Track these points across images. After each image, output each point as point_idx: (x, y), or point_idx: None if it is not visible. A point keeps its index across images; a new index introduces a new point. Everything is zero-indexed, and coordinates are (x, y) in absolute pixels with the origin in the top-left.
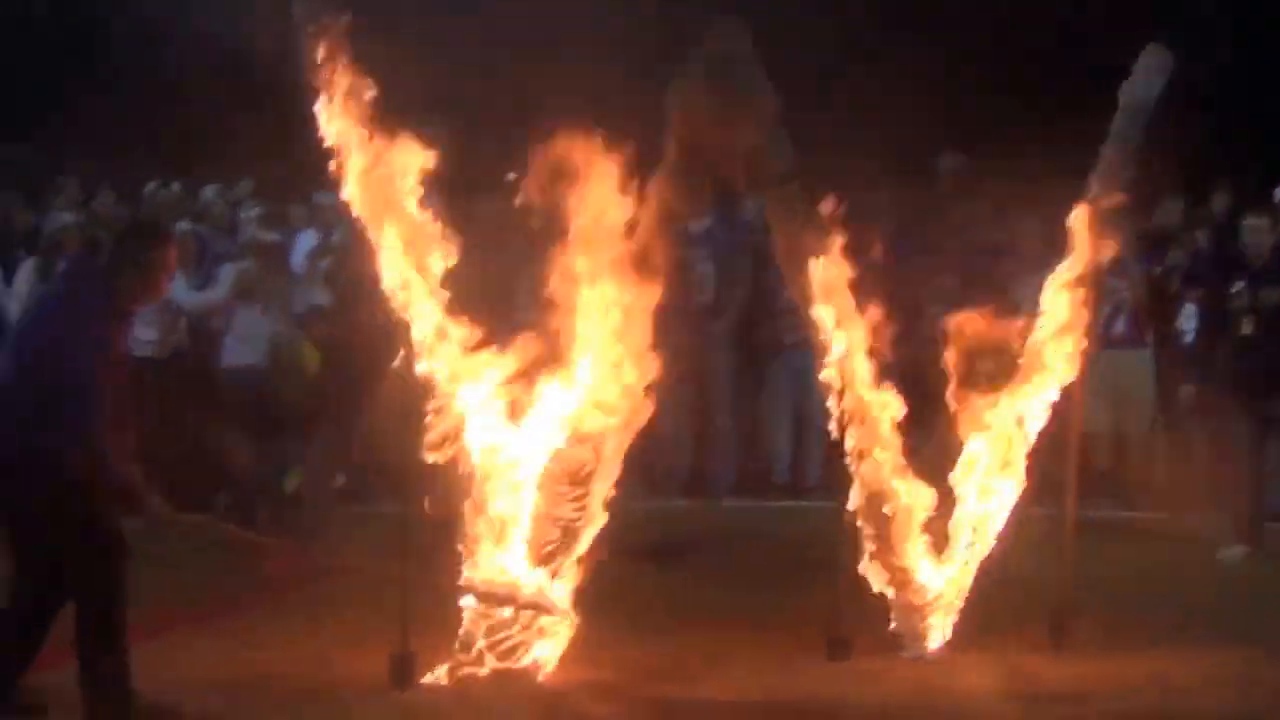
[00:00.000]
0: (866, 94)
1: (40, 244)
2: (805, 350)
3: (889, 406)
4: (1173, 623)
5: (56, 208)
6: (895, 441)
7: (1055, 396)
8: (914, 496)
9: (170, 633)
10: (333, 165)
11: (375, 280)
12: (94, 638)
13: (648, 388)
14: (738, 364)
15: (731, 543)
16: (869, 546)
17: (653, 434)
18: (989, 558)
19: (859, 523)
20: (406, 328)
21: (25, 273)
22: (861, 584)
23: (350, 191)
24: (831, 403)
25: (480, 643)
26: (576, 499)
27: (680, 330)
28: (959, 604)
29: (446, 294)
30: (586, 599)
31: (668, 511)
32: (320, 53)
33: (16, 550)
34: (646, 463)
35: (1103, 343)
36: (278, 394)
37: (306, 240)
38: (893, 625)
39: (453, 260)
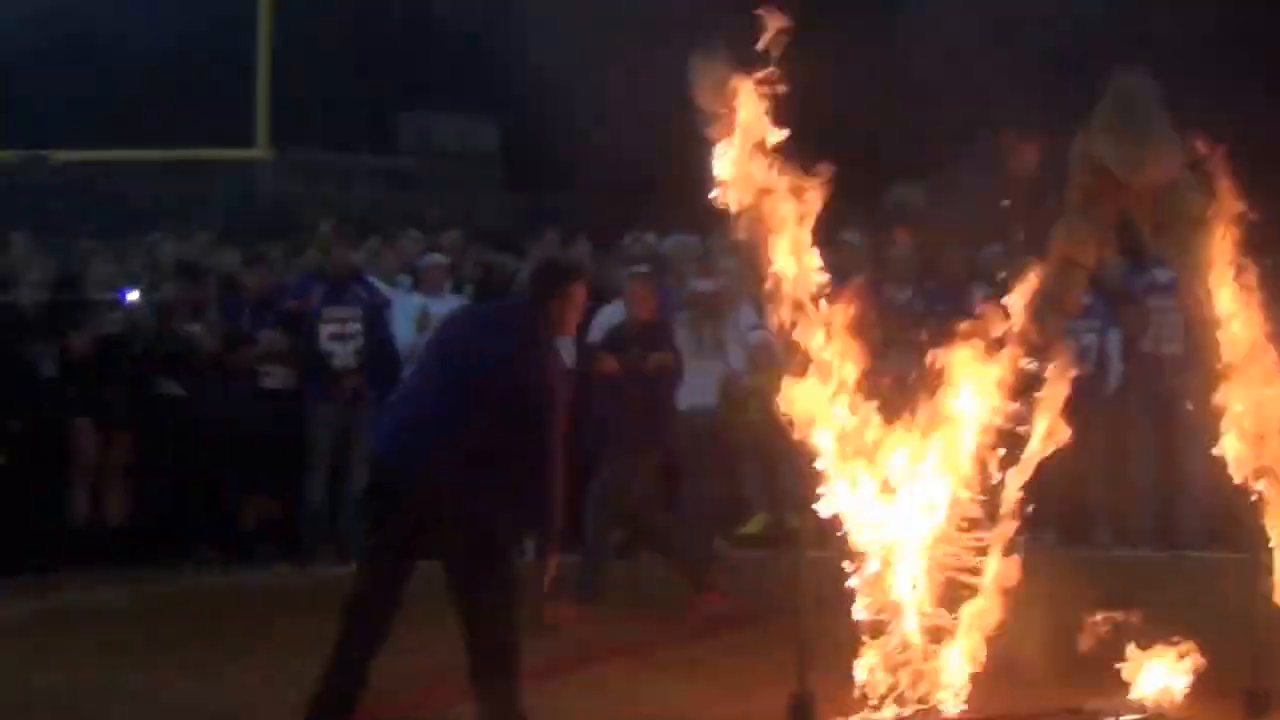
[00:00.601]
0: None
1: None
2: None
3: None
4: None
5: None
6: None
7: None
8: None
9: (556, 677)
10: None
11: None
12: (498, 675)
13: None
14: None
15: (1182, 593)
16: None
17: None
18: None
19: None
20: (786, 374)
21: None
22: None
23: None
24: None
25: (882, 685)
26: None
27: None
28: None
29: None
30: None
31: (1131, 560)
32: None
33: (382, 578)
34: (1119, 513)
35: None
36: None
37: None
38: None
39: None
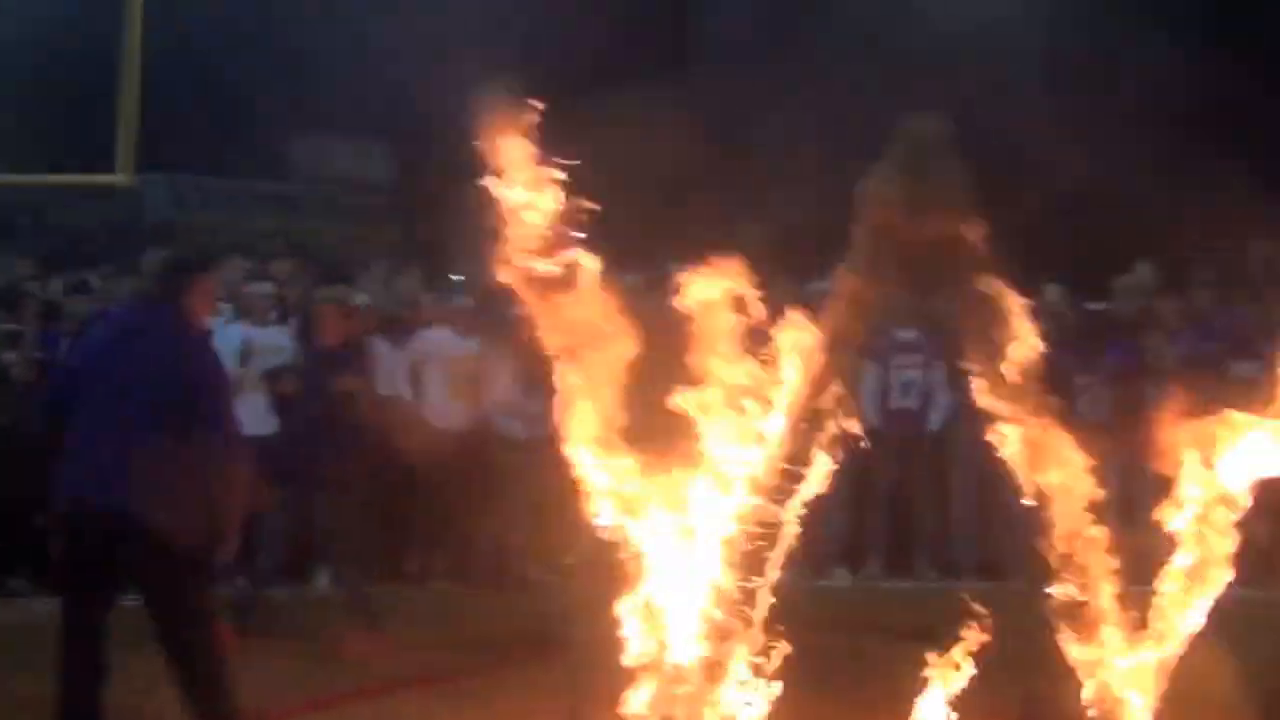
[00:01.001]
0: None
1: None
2: None
3: (1083, 489)
4: None
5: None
6: (1091, 521)
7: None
8: (1112, 575)
9: (346, 708)
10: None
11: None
12: (214, 705)
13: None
14: None
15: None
16: (1065, 627)
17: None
18: (1194, 642)
19: (1054, 603)
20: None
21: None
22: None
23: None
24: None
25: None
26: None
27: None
28: (1158, 689)
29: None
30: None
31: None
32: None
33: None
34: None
35: None
36: None
37: None
38: (1089, 709)
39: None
